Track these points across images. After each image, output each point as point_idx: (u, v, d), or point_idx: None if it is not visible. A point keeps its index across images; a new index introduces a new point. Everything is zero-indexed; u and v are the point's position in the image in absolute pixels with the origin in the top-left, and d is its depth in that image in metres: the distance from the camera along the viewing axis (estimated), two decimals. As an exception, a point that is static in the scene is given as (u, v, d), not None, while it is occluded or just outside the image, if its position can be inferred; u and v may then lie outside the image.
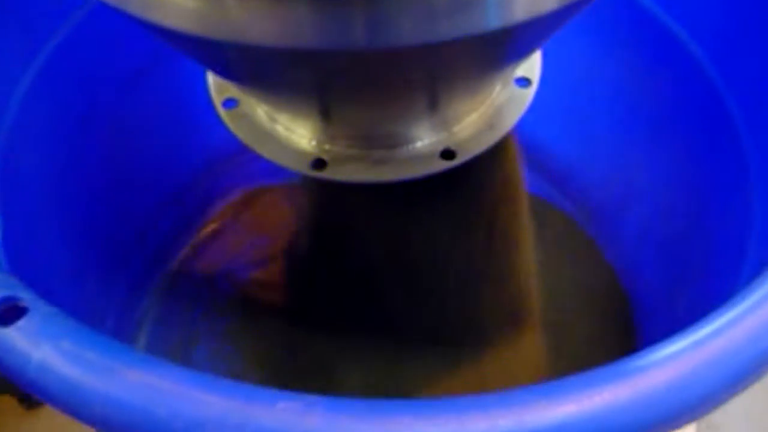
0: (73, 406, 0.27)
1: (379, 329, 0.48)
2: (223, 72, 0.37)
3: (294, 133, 0.41)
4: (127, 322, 0.51)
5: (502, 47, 0.31)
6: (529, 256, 0.51)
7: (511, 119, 0.42)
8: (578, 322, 0.53)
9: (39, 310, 0.29)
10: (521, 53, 0.35)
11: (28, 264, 0.40)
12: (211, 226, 0.58)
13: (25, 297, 0.30)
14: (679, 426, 0.26)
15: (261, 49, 0.27)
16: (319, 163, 0.40)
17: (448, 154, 0.40)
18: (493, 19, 0.26)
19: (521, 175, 0.50)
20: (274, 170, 0.42)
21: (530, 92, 0.43)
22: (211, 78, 0.44)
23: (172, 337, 0.51)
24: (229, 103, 0.43)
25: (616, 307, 0.54)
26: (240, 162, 0.58)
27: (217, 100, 0.43)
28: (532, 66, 0.44)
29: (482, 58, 0.32)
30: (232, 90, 0.43)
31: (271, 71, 0.32)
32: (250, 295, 0.53)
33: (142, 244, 0.55)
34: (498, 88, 0.42)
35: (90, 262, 0.49)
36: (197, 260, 0.56)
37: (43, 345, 0.27)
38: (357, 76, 0.31)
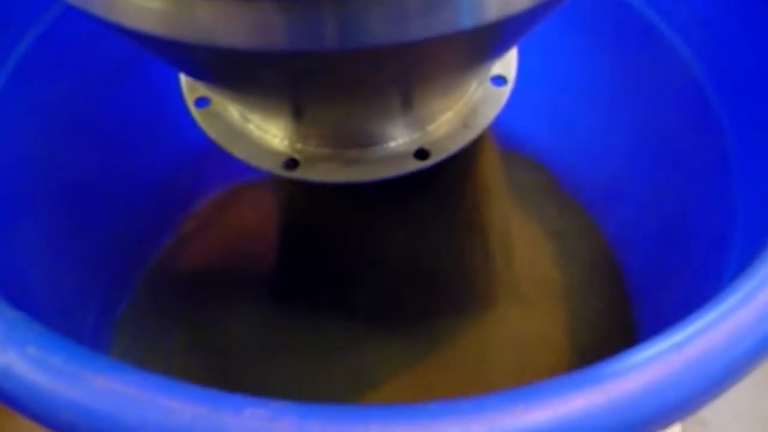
0: (39, 412, 0.26)
1: (355, 321, 0.48)
2: (193, 73, 0.37)
3: (266, 133, 0.41)
4: (107, 320, 0.51)
5: (476, 46, 0.31)
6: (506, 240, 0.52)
7: (486, 118, 0.41)
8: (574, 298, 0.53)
9: (4, 314, 0.29)
10: (496, 52, 0.35)
11: (4, 263, 0.40)
12: (192, 223, 0.58)
13: (-11, 302, 0.29)
14: (659, 429, 0.26)
15: (229, 52, 0.26)
16: (291, 163, 0.40)
17: (422, 153, 0.40)
18: (466, 18, 0.25)
19: (497, 171, 0.50)
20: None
21: (506, 90, 0.43)
22: (183, 77, 0.43)
23: (151, 333, 0.50)
24: (201, 101, 0.43)
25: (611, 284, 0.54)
26: (221, 159, 0.57)
27: (189, 99, 0.43)
28: (508, 64, 0.44)
29: (456, 58, 0.32)
30: (204, 89, 0.43)
31: (240, 73, 0.32)
32: (229, 289, 0.52)
33: (122, 241, 0.54)
34: (473, 86, 0.42)
35: (68, 261, 0.48)
36: (178, 256, 0.55)
37: (8, 350, 0.27)
38: (328, 76, 0.30)
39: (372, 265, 0.49)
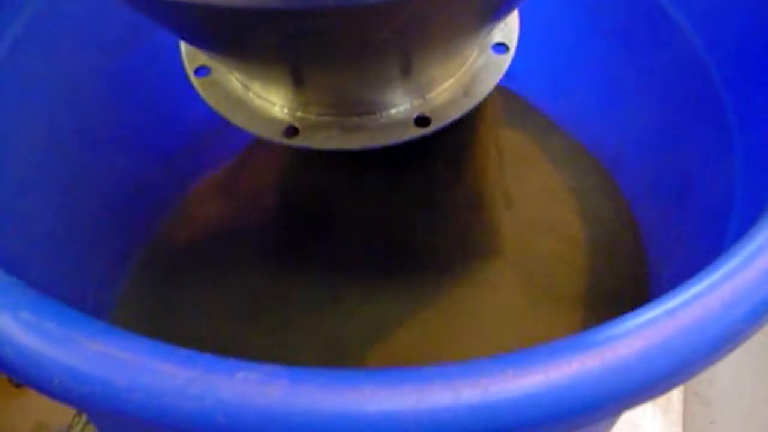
0: (32, 376, 0.26)
1: (351, 291, 0.48)
2: (191, 39, 0.37)
3: (266, 101, 0.41)
4: (108, 296, 0.51)
5: (474, 4, 0.30)
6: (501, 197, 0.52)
7: (487, 85, 0.41)
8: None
9: (-3, 280, 0.29)
10: (494, 13, 0.34)
11: (3, 239, 0.40)
12: (198, 195, 0.58)
13: (-18, 267, 0.29)
14: (653, 396, 0.25)
15: (225, 10, 0.26)
16: (291, 131, 0.40)
17: (422, 120, 0.40)
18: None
19: (499, 137, 0.50)
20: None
21: (507, 58, 0.42)
22: (183, 46, 0.43)
23: (151, 306, 0.50)
24: (202, 71, 0.42)
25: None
26: (227, 133, 0.57)
27: (189, 68, 0.43)
28: (509, 32, 0.43)
29: (454, 17, 0.31)
30: (204, 58, 0.42)
31: (238, 36, 0.31)
32: (228, 261, 0.52)
33: (126, 217, 0.54)
34: (474, 54, 0.42)
35: (71, 238, 0.48)
36: (181, 231, 0.55)
37: (1, 315, 0.27)
38: (326, 38, 0.30)
39: (368, 237, 0.49)
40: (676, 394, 0.57)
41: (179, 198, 0.57)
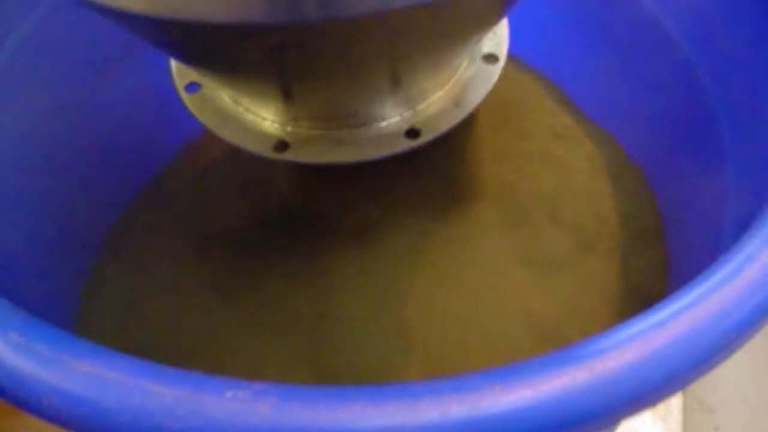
0: (21, 397, 0.26)
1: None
2: (179, 55, 0.37)
3: (256, 115, 0.41)
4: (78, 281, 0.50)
5: (458, 15, 0.30)
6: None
7: (478, 96, 0.41)
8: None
9: (-14, 301, 0.29)
10: (479, 23, 0.34)
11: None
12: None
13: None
14: (644, 408, 0.25)
15: (209, 27, 0.26)
16: (281, 145, 0.40)
17: (412, 132, 0.40)
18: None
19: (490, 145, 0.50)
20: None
21: (497, 69, 0.42)
22: (173, 62, 0.43)
23: (126, 298, 0.49)
24: (192, 87, 0.43)
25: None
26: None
27: (180, 84, 0.43)
28: (499, 42, 0.44)
29: (439, 29, 0.31)
30: (194, 74, 0.43)
31: (225, 52, 0.31)
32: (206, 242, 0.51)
33: (106, 231, 0.54)
34: (464, 65, 0.42)
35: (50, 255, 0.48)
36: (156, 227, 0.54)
37: (-10, 337, 0.27)
38: (312, 52, 0.30)
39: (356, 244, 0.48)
40: (675, 402, 0.57)
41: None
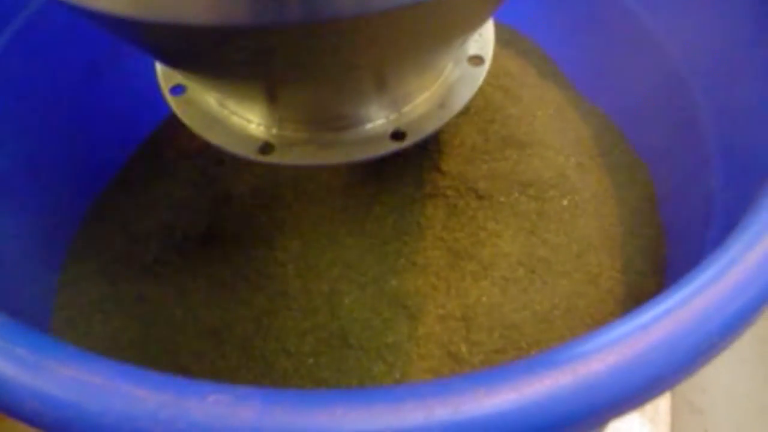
0: (4, 402, 0.26)
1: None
2: (164, 58, 0.37)
3: (242, 118, 0.41)
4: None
5: (441, 17, 0.30)
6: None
7: (463, 97, 0.41)
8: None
9: (-32, 307, 0.29)
10: (462, 25, 0.34)
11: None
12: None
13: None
14: (628, 410, 0.25)
15: (194, 29, 0.26)
16: (267, 148, 0.40)
17: (398, 135, 0.40)
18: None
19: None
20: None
21: (483, 71, 0.42)
22: (159, 65, 0.43)
23: (96, 292, 0.49)
24: (177, 89, 0.42)
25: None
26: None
27: (165, 87, 0.43)
28: (485, 44, 0.43)
29: (422, 32, 0.31)
30: (180, 77, 0.42)
31: (209, 54, 0.31)
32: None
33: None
34: (449, 67, 0.42)
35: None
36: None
37: (-28, 342, 0.27)
38: (296, 54, 0.30)
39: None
40: (663, 404, 0.57)
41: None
